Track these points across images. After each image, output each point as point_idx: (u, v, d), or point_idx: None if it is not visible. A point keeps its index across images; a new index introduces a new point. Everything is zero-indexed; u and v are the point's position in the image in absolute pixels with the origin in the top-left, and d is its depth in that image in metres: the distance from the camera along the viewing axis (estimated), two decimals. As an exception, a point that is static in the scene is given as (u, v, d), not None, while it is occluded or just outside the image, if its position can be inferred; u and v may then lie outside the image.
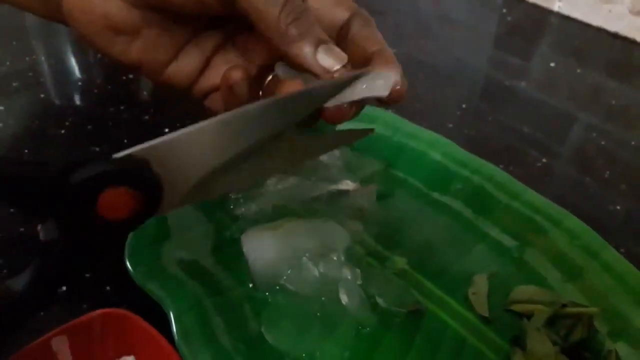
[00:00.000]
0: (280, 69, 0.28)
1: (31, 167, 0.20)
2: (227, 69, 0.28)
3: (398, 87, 0.27)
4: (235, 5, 0.25)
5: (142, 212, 0.21)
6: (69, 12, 0.27)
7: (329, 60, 0.26)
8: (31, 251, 0.20)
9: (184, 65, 0.29)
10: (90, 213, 0.20)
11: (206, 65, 0.30)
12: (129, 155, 0.21)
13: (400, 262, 0.37)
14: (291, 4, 0.25)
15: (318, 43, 0.26)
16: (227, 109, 0.28)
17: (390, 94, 0.27)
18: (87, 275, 0.35)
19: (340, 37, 0.28)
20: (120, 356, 0.30)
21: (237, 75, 0.28)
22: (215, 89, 0.30)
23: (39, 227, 0.20)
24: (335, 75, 0.25)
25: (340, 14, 0.28)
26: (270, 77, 0.31)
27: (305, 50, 0.25)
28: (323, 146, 0.30)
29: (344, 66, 0.26)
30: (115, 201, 0.20)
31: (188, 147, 0.22)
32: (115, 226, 0.21)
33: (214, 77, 0.30)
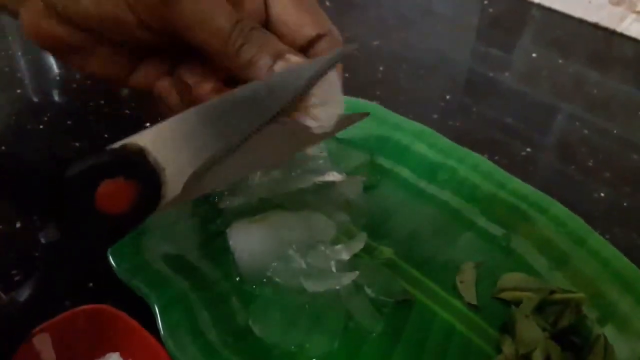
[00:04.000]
0: None
1: (26, 162, 0.19)
2: (194, 87, 0.27)
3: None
4: (178, 40, 0.24)
5: (142, 204, 0.21)
6: (24, 32, 0.26)
7: None
8: (32, 249, 0.20)
9: (146, 73, 0.28)
10: (89, 207, 0.19)
11: (171, 70, 0.29)
12: (124, 146, 0.20)
13: (387, 252, 0.37)
14: (237, 30, 0.24)
15: (274, 58, 0.25)
16: None
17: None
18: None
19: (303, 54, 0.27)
20: (105, 353, 0.29)
21: (205, 90, 0.26)
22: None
23: (40, 234, 0.19)
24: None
25: (306, 32, 0.26)
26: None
27: (262, 72, 0.24)
28: (309, 138, 0.29)
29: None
30: (113, 193, 0.20)
31: (182, 134, 0.22)
32: (117, 220, 0.20)
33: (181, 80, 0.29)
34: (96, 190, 0.19)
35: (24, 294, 0.19)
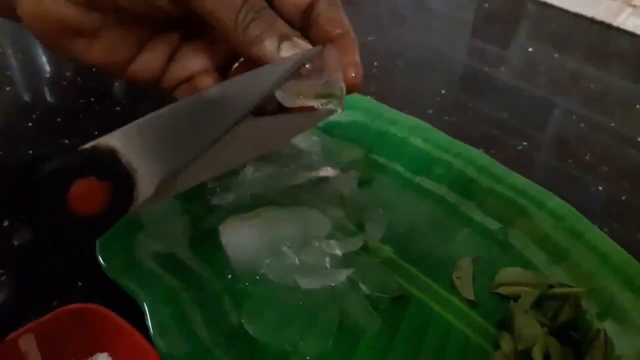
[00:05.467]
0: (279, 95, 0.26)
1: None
2: (197, 76, 0.27)
3: (353, 76, 0.26)
4: (190, 10, 0.24)
5: (115, 205, 0.20)
6: (23, 17, 0.25)
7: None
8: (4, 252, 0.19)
9: (146, 62, 0.28)
10: (61, 208, 0.19)
11: (171, 58, 0.29)
12: (95, 146, 0.20)
13: (387, 251, 0.36)
14: (248, 5, 0.24)
15: (281, 39, 0.25)
16: None
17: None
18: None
19: (305, 18, 0.27)
20: (93, 354, 0.29)
21: (207, 83, 0.27)
22: (183, 81, 0.29)
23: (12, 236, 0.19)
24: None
25: None
26: (236, 64, 0.30)
27: (267, 50, 0.24)
28: (292, 128, 0.28)
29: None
30: (85, 194, 0.19)
31: (153, 133, 0.21)
32: (89, 222, 0.20)
33: (180, 70, 0.29)
34: (68, 191, 0.19)
35: None
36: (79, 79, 0.51)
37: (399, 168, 0.42)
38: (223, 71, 0.30)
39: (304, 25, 0.27)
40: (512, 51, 0.67)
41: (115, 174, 0.20)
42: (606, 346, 0.30)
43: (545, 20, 0.71)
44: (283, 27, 0.25)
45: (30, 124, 0.45)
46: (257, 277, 0.33)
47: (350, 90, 0.26)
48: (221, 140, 0.23)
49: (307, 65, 0.25)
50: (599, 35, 0.68)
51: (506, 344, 0.31)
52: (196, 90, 0.27)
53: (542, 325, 0.31)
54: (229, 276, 0.33)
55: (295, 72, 0.25)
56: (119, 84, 0.51)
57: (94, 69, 0.28)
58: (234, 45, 0.25)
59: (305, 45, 0.25)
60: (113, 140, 0.20)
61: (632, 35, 0.67)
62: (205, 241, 0.35)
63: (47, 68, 0.53)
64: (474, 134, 0.50)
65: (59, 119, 0.46)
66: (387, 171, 0.42)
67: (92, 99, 0.48)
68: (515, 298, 0.33)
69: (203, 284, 0.33)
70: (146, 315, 0.29)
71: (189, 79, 0.29)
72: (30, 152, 0.42)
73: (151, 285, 0.30)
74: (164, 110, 0.22)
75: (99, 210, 0.20)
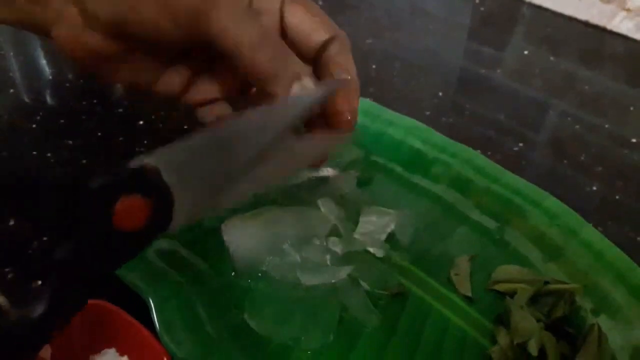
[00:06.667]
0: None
1: (44, 175, 0.19)
2: (210, 106, 0.29)
3: (348, 119, 0.28)
4: (207, 41, 0.25)
5: (155, 222, 0.21)
6: (55, 41, 0.27)
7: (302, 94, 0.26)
8: (45, 270, 0.20)
9: (168, 85, 0.29)
10: (106, 222, 0.19)
11: (191, 82, 0.30)
12: (142, 165, 0.21)
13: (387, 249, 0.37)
14: (267, 43, 0.25)
15: (293, 79, 0.26)
16: None
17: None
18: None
19: (317, 55, 0.29)
20: (101, 349, 0.29)
21: (221, 110, 0.29)
22: (201, 103, 0.30)
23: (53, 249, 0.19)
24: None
25: (318, 36, 0.28)
26: (254, 89, 0.31)
27: (280, 88, 0.26)
28: (314, 151, 0.30)
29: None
30: (130, 210, 0.20)
31: (190, 157, 0.22)
32: (130, 238, 0.20)
33: (198, 94, 0.30)
34: (114, 206, 0.19)
35: (34, 311, 0.19)
36: (80, 80, 0.52)
37: (398, 168, 0.42)
38: (242, 94, 0.31)
39: (315, 61, 0.29)
40: (508, 53, 0.67)
41: (157, 192, 0.21)
42: (600, 340, 0.30)
43: (540, 23, 0.72)
44: (297, 66, 0.27)
45: (33, 126, 0.45)
46: (259, 275, 0.34)
47: (343, 130, 0.28)
48: (249, 166, 0.24)
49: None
50: (593, 38, 0.69)
51: (503, 339, 0.31)
52: (213, 116, 0.29)
53: (538, 320, 0.32)
54: (232, 273, 0.34)
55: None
56: (120, 86, 0.52)
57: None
58: (249, 78, 0.26)
59: (311, 87, 0.27)
60: (156, 159, 0.21)
61: (626, 38, 0.68)
62: (208, 239, 0.35)
63: (49, 70, 0.53)
64: (471, 135, 0.51)
65: (61, 120, 0.46)
66: (386, 171, 0.42)
67: (94, 101, 0.49)
68: (512, 294, 0.34)
69: (206, 280, 0.33)
70: (152, 310, 0.29)
71: (207, 102, 0.30)
72: (35, 153, 0.43)
73: (156, 281, 0.31)
74: (200, 136, 0.23)
75: (140, 226, 0.20)
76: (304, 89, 0.26)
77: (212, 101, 0.30)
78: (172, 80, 0.29)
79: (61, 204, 0.19)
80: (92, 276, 0.20)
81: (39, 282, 0.18)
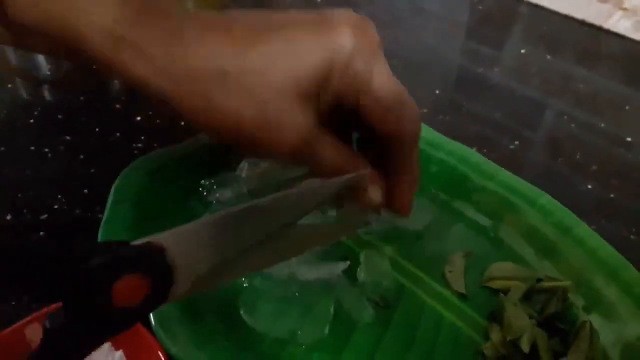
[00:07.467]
0: None
1: (46, 250, 0.19)
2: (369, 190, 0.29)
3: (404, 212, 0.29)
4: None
5: (152, 299, 0.21)
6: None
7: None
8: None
9: None
10: (104, 298, 0.19)
11: None
12: (148, 243, 0.21)
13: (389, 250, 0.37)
14: (304, 144, 0.26)
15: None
16: None
17: None
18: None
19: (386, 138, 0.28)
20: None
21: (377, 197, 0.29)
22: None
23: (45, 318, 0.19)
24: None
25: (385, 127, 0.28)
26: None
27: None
28: (329, 234, 0.30)
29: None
30: (129, 288, 0.20)
31: (201, 237, 0.22)
32: (124, 313, 0.20)
33: None
34: (115, 283, 0.19)
35: None
36: (78, 76, 0.52)
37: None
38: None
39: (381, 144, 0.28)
40: (506, 52, 0.68)
41: (159, 271, 0.21)
42: (591, 337, 0.31)
43: (537, 23, 0.72)
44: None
45: (31, 121, 0.46)
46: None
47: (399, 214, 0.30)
48: (263, 244, 0.24)
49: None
50: (590, 37, 0.69)
51: (496, 335, 0.32)
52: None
53: (531, 317, 0.32)
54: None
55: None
56: (119, 81, 0.52)
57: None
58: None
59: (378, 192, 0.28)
60: (163, 239, 0.21)
61: (622, 37, 0.68)
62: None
63: (47, 65, 0.53)
64: (467, 133, 0.51)
65: (59, 116, 0.46)
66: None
67: (92, 97, 0.49)
68: (505, 291, 0.34)
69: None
70: (147, 305, 0.29)
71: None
72: (32, 148, 0.43)
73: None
74: (217, 215, 0.23)
75: (137, 302, 0.20)
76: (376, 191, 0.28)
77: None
78: None
79: (59, 279, 0.19)
80: (78, 346, 0.20)
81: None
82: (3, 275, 0.18)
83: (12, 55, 0.55)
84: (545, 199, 0.39)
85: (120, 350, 0.29)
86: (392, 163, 0.29)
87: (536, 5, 0.74)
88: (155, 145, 0.44)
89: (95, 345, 0.21)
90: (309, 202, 0.25)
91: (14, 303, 0.31)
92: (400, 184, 0.29)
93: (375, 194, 0.28)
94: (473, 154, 0.42)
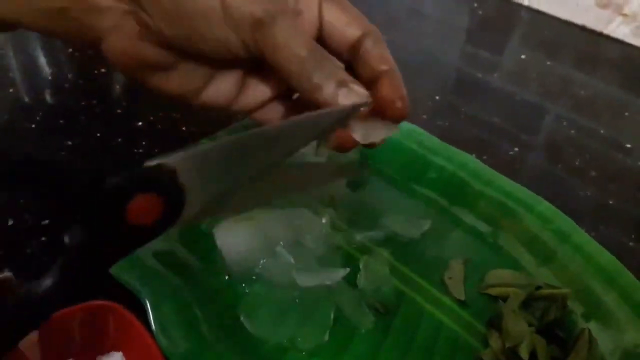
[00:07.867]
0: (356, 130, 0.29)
1: (67, 171, 0.20)
2: (264, 105, 0.30)
3: (400, 107, 0.28)
4: (260, 55, 0.26)
5: (166, 218, 0.22)
6: (108, 52, 0.27)
7: (349, 101, 0.27)
8: (54, 250, 0.21)
9: (217, 92, 0.30)
10: (119, 218, 0.21)
11: (239, 87, 0.30)
12: (160, 164, 0.21)
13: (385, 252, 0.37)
14: (311, 56, 0.26)
15: (339, 85, 0.27)
16: None
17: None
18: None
19: (353, 53, 0.29)
20: (103, 351, 0.29)
21: (274, 113, 0.30)
22: (252, 108, 0.31)
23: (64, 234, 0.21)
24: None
25: (353, 32, 0.29)
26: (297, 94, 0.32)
27: (326, 96, 0.26)
28: (328, 174, 0.31)
29: (365, 102, 0.27)
30: (143, 207, 0.21)
31: (210, 160, 0.23)
32: (140, 231, 0.22)
33: (248, 99, 0.31)
34: (129, 203, 0.21)
35: (40, 287, 0.20)
36: (80, 80, 0.52)
37: (393, 172, 0.43)
38: (287, 97, 0.32)
39: (351, 59, 0.29)
40: (505, 57, 0.68)
41: (171, 192, 0.22)
42: (590, 344, 0.31)
43: (537, 28, 0.73)
44: (341, 74, 0.27)
45: (32, 125, 0.46)
46: (253, 277, 0.34)
47: (398, 119, 0.28)
48: (270, 174, 0.25)
49: (362, 109, 0.27)
50: (589, 42, 0.69)
51: (495, 342, 0.32)
52: (264, 120, 0.30)
53: (530, 324, 0.32)
54: (226, 277, 0.34)
55: (354, 115, 0.27)
56: (120, 85, 0.52)
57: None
58: (294, 89, 0.27)
59: (359, 91, 0.27)
60: (174, 160, 0.22)
61: (622, 43, 0.69)
62: (202, 242, 0.36)
63: (49, 70, 0.54)
64: (466, 139, 0.51)
65: (61, 121, 0.47)
66: (381, 174, 0.43)
67: (94, 101, 0.49)
68: (504, 298, 0.34)
69: (202, 281, 0.34)
70: (148, 311, 0.30)
71: (258, 107, 0.31)
72: (34, 151, 0.43)
73: (153, 282, 0.31)
74: (226, 140, 0.24)
75: (151, 221, 0.22)
76: (352, 92, 0.27)
77: (264, 104, 0.30)
78: (223, 86, 0.30)
79: (79, 196, 0.20)
80: (97, 262, 0.21)
81: (48, 261, 0.19)
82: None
83: (13, 58, 0.55)
84: (544, 206, 0.39)
85: (120, 352, 0.29)
86: (366, 67, 0.28)
87: (536, 11, 0.74)
88: (156, 150, 0.44)
89: (112, 261, 0.22)
90: (312, 130, 0.25)
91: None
92: (382, 79, 0.28)
93: (359, 89, 0.27)
94: (472, 160, 0.43)
